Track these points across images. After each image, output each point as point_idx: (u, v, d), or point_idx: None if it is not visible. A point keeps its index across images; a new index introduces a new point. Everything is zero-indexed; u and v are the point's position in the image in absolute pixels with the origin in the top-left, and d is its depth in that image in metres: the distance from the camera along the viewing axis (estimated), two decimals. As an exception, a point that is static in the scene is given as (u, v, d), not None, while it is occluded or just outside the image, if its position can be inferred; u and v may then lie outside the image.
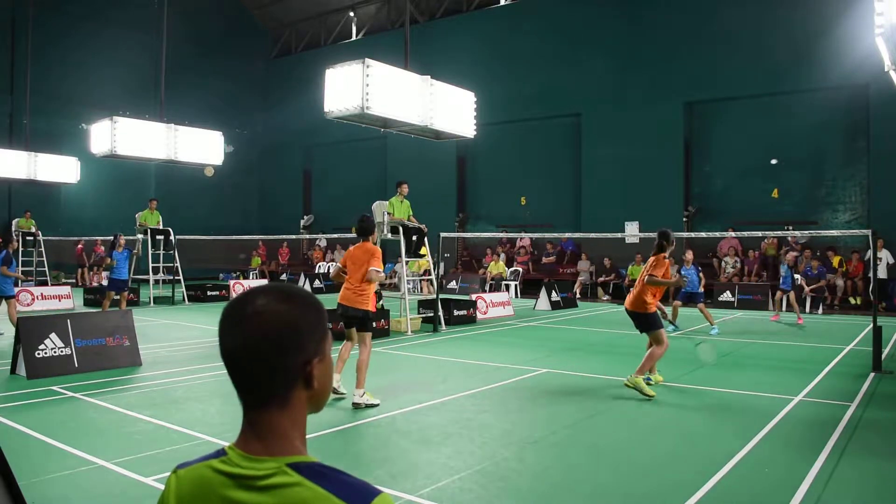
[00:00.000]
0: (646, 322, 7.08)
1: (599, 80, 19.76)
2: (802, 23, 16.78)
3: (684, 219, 18.59)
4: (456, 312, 12.82)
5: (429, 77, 10.07)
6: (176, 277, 16.93)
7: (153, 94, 21.73)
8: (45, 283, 18.71)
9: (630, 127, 19.07)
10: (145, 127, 13.36)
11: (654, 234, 7.34)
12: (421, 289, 18.76)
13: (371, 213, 12.64)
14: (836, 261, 16.19)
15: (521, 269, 20.33)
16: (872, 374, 7.71)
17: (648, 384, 6.87)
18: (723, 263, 17.79)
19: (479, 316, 13.49)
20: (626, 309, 7.31)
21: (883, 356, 8.22)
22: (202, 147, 14.25)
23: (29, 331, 7.60)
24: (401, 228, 12.09)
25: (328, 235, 22.62)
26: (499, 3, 22.66)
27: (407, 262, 12.56)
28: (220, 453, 1.07)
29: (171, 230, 16.97)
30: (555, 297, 15.93)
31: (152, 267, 16.44)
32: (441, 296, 12.76)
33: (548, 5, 20.95)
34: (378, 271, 6.54)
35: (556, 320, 13.72)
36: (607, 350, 10.05)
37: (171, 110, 14.92)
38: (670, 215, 18.13)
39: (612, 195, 19.19)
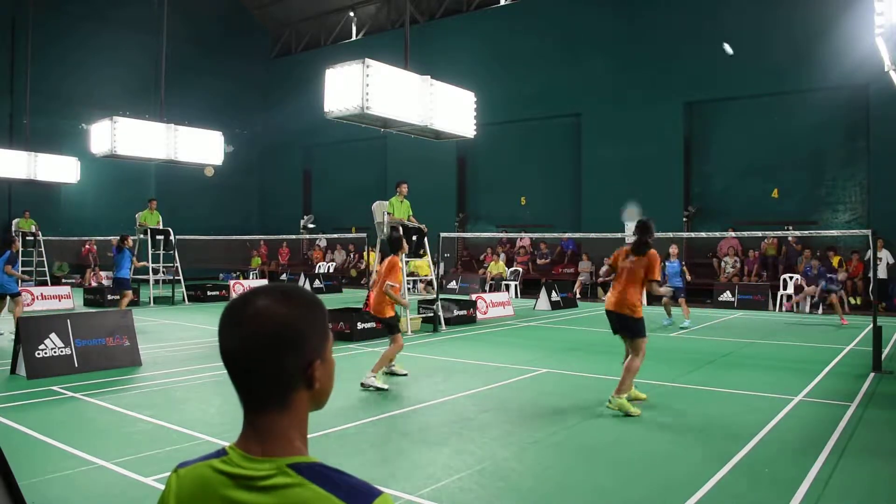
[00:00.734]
0: (636, 327, 6.32)
1: (599, 80, 19.75)
2: (802, 23, 16.78)
3: (684, 219, 18.59)
4: (456, 312, 12.82)
5: (429, 77, 10.06)
6: (176, 277, 16.94)
7: (153, 94, 21.72)
8: (45, 283, 18.71)
9: (630, 127, 19.07)
10: (145, 127, 13.35)
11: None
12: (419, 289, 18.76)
13: (373, 213, 12.68)
14: (835, 261, 16.18)
15: (521, 269, 20.33)
16: (872, 374, 7.71)
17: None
18: (723, 263, 17.79)
19: (479, 316, 13.49)
20: (613, 311, 6.46)
21: (883, 356, 8.23)
22: (202, 147, 14.24)
23: (29, 331, 7.60)
24: (401, 229, 12.09)
25: (328, 235, 22.63)
26: (499, 3, 22.66)
27: (407, 263, 12.57)
28: (221, 453, 1.07)
29: (171, 230, 16.97)
30: (555, 297, 15.93)
31: (152, 267, 16.44)
32: (441, 296, 12.76)
33: (548, 5, 20.95)
34: (392, 285, 7.24)
35: (556, 320, 13.72)
36: (607, 350, 10.03)
37: (171, 110, 14.91)
38: (670, 215, 18.14)
39: (612, 195, 19.19)
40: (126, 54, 23.71)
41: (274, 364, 1.04)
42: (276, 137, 28.46)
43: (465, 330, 12.07)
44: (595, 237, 15.22)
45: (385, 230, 12.22)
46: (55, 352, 7.64)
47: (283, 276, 23.76)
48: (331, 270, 24.01)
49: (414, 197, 12.86)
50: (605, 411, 6.11)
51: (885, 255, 14.85)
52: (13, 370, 7.61)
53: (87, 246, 22.67)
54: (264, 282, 19.81)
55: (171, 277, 17.04)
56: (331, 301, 16.67)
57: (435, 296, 12.57)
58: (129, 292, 12.82)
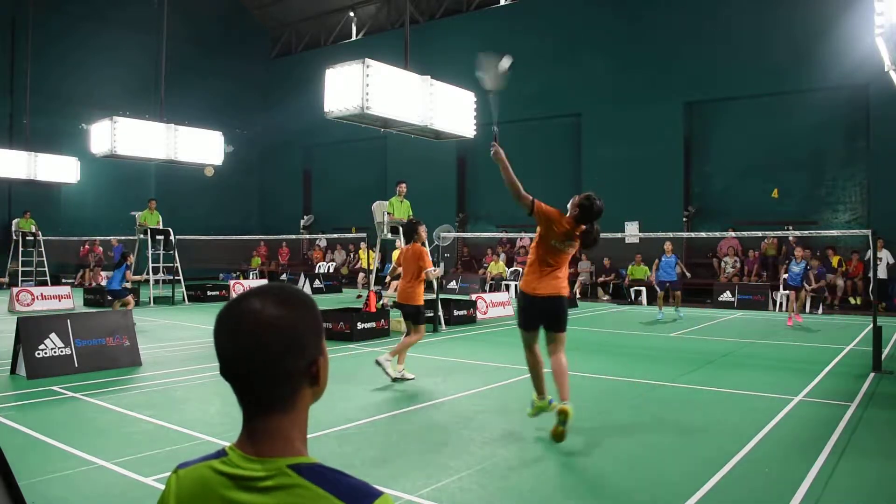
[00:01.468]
0: (565, 313, 5.40)
1: (599, 80, 19.75)
2: (802, 23, 16.78)
3: (684, 219, 18.59)
4: (456, 312, 12.82)
5: (429, 77, 10.07)
6: (176, 277, 16.93)
7: (153, 94, 21.73)
8: (45, 283, 18.71)
9: (630, 127, 19.07)
10: (145, 127, 13.36)
11: (653, 235, 7.18)
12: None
13: (373, 213, 12.69)
14: (835, 261, 16.19)
15: (521, 269, 20.33)
16: (872, 374, 7.71)
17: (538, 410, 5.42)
18: (722, 263, 17.80)
19: (479, 316, 13.49)
20: (554, 295, 5.31)
21: (883, 356, 8.22)
22: (202, 147, 14.25)
23: (29, 331, 7.59)
24: (401, 228, 12.09)
25: (328, 235, 22.63)
26: (499, 3, 22.66)
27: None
28: (221, 454, 1.07)
29: (171, 230, 16.97)
30: (555, 297, 15.90)
31: (152, 267, 16.44)
32: (441, 296, 12.76)
33: (548, 5, 20.95)
34: (432, 270, 7.68)
35: (556, 320, 13.69)
36: (607, 350, 10.04)
37: (171, 110, 14.91)
38: (670, 215, 18.15)
39: (612, 195, 19.06)
40: (126, 54, 23.72)
41: (275, 370, 1.03)
42: (276, 137, 28.45)
43: (465, 330, 12.07)
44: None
45: (385, 230, 12.23)
46: (55, 352, 7.64)
47: (283, 276, 23.76)
48: (331, 270, 24.02)
49: (414, 197, 12.87)
50: (605, 411, 6.11)
51: (885, 255, 14.86)
52: (13, 370, 7.61)
53: (85, 246, 22.68)
54: (264, 282, 19.83)
55: (171, 277, 17.04)
56: (331, 301, 16.66)
57: (435, 296, 12.57)
58: (128, 298, 12.62)
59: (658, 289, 13.79)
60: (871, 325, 8.22)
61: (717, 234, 16.30)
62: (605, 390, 7.07)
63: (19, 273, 18.94)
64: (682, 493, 3.98)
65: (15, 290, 15.06)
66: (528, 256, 5.73)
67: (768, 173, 17.69)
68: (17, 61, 21.35)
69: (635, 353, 9.67)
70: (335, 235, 22.34)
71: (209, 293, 17.65)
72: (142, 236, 16.76)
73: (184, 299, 17.06)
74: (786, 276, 13.13)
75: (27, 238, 19.30)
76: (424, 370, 8.13)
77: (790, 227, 16.07)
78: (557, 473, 4.49)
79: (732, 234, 15.04)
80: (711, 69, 18.07)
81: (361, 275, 18.88)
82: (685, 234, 15.99)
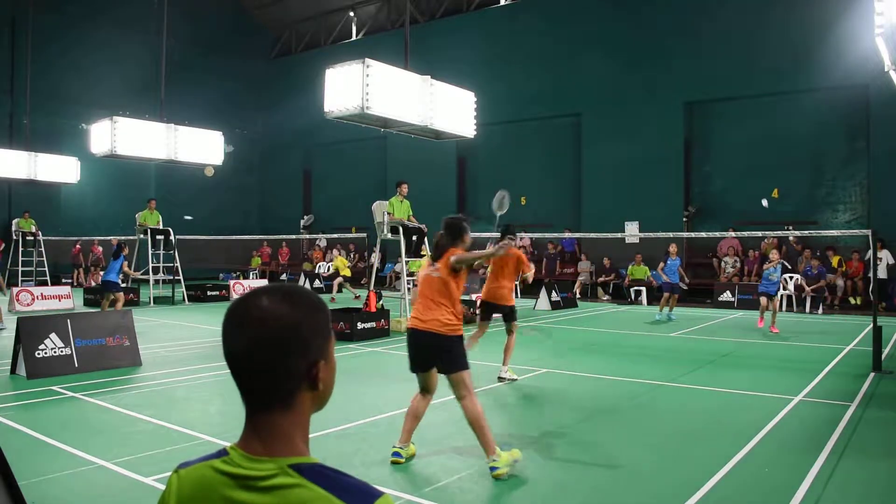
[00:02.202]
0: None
1: (599, 80, 19.75)
2: (802, 23, 16.78)
3: (684, 219, 18.59)
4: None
5: (429, 77, 10.06)
6: (176, 277, 16.93)
7: (153, 94, 21.66)
8: (45, 283, 18.71)
9: (630, 127, 19.07)
10: (145, 127, 13.35)
11: (653, 235, 7.28)
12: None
13: (373, 213, 12.67)
14: (835, 261, 16.18)
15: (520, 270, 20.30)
16: (872, 374, 7.71)
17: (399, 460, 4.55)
18: (723, 263, 17.79)
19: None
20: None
21: (883, 356, 8.22)
22: (202, 147, 14.25)
23: (29, 331, 7.59)
24: (401, 228, 12.09)
25: (328, 235, 22.62)
26: (499, 3, 22.66)
27: (407, 262, 12.56)
28: (222, 453, 1.07)
29: (171, 230, 16.97)
30: (555, 296, 15.93)
31: (152, 267, 16.44)
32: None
33: (548, 5, 20.95)
34: (531, 273, 8.05)
35: (556, 320, 13.72)
36: (607, 350, 10.05)
37: (171, 110, 14.91)
38: (670, 215, 18.14)
39: (613, 195, 19.19)
40: (126, 54, 23.71)
41: (279, 365, 1.04)
42: (276, 137, 28.45)
43: (466, 330, 12.04)
44: (595, 237, 15.21)
45: (385, 230, 12.22)
46: (55, 352, 7.64)
47: (283, 276, 23.75)
48: (331, 270, 23.99)
49: (414, 197, 12.85)
50: (605, 411, 6.11)
51: (885, 255, 14.85)
52: (13, 370, 7.61)
53: (77, 246, 22.59)
54: (264, 282, 19.82)
55: (171, 277, 17.04)
56: (331, 302, 16.66)
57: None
58: (120, 294, 12.57)
59: (664, 290, 13.84)
60: (871, 325, 8.22)
61: (717, 234, 16.29)
62: (606, 390, 7.07)
63: (19, 273, 18.93)
64: (683, 492, 3.98)
65: (15, 290, 15.06)
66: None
67: (768, 173, 17.68)
68: (17, 61, 21.34)
69: (635, 353, 9.67)
70: (335, 235, 22.33)
71: (209, 293, 17.66)
72: (142, 236, 16.76)
73: (184, 299, 17.06)
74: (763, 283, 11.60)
75: (27, 238, 19.30)
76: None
77: (790, 227, 16.07)
78: (557, 474, 4.48)
79: (732, 234, 15.04)
80: (711, 69, 18.06)
81: (338, 279, 18.31)
82: (685, 234, 15.97)
